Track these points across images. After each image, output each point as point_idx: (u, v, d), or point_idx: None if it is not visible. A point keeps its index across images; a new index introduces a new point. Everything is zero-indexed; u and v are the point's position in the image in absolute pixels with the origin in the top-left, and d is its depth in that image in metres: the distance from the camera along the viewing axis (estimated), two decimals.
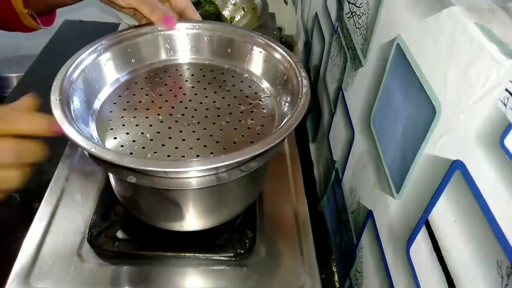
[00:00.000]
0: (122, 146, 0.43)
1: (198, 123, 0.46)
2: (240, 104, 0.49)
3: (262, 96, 0.51)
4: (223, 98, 0.50)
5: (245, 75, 0.54)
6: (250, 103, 0.49)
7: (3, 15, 0.51)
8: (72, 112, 0.42)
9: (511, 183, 0.24)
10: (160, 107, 0.48)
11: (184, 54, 0.56)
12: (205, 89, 0.51)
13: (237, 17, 0.89)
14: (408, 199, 0.38)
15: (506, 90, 0.25)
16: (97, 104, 0.48)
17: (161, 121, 0.46)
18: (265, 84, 0.52)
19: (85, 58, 0.48)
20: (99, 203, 0.54)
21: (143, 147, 0.43)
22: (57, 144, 0.65)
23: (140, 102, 0.49)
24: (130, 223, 0.52)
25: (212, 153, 0.43)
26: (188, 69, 0.55)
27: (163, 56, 0.55)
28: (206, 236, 0.50)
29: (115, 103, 0.49)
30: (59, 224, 0.52)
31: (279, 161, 0.63)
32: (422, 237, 0.35)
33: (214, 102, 0.49)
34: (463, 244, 0.29)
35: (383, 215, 0.43)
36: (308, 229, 0.54)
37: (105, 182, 0.56)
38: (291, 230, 0.54)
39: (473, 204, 0.28)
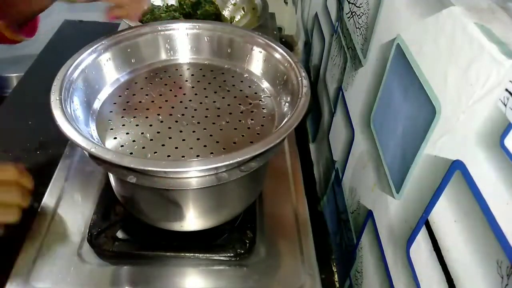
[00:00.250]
0: (122, 146, 0.43)
1: (198, 123, 0.46)
2: (240, 104, 0.49)
3: (262, 96, 0.51)
4: (223, 98, 0.50)
5: (245, 75, 0.54)
6: (250, 103, 0.49)
7: None
8: (72, 112, 0.42)
9: (511, 183, 0.24)
10: (160, 107, 0.48)
11: (184, 54, 0.56)
12: (205, 89, 0.51)
13: (237, 17, 0.89)
14: (408, 199, 0.38)
15: (506, 90, 0.25)
16: (97, 104, 0.48)
17: (161, 121, 0.46)
18: (265, 84, 0.52)
19: (85, 58, 0.48)
20: (99, 203, 0.54)
21: (143, 147, 0.43)
22: (57, 144, 0.65)
23: (140, 102, 0.49)
24: (130, 223, 0.52)
25: (212, 153, 0.43)
26: (188, 69, 0.55)
27: (163, 56, 0.55)
28: (206, 236, 0.50)
29: (115, 103, 0.49)
30: (59, 224, 0.52)
31: (279, 161, 0.63)
32: (422, 237, 0.35)
33: (214, 102, 0.49)
34: (463, 244, 0.29)
35: (383, 215, 0.43)
36: (308, 229, 0.54)
37: (105, 182, 0.56)
38: (291, 230, 0.54)
39: (473, 204, 0.28)
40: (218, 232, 0.51)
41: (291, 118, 0.41)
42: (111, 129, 0.45)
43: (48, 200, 0.55)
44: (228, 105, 0.49)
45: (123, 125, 0.46)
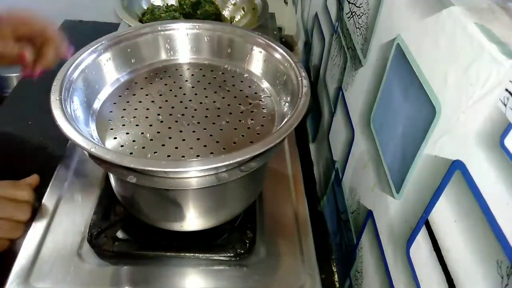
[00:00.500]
0: (122, 146, 0.43)
1: (198, 123, 0.46)
2: (240, 104, 0.49)
3: (262, 96, 0.51)
4: (223, 98, 0.50)
5: (245, 75, 0.54)
6: (250, 103, 0.49)
7: None
8: (72, 112, 0.42)
9: (511, 183, 0.24)
10: (160, 107, 0.48)
11: (184, 54, 0.56)
12: (205, 89, 0.51)
13: (237, 17, 0.89)
14: (408, 199, 0.38)
15: (506, 90, 0.25)
16: (97, 104, 0.48)
17: (161, 121, 0.46)
18: (265, 84, 0.52)
19: (85, 58, 0.48)
20: (99, 203, 0.54)
21: (143, 147, 0.43)
22: (57, 144, 0.65)
23: (140, 102, 0.49)
24: (130, 223, 0.52)
25: (212, 153, 0.43)
26: (188, 69, 0.55)
27: (163, 56, 0.55)
28: (206, 236, 0.50)
29: (115, 103, 0.49)
30: (59, 224, 0.52)
31: (279, 161, 0.63)
32: (422, 237, 0.35)
33: (214, 102, 0.49)
34: (463, 244, 0.29)
35: (383, 215, 0.43)
36: (308, 229, 0.54)
37: (105, 182, 0.56)
38: (291, 230, 0.54)
39: (473, 204, 0.28)
40: (218, 232, 0.51)
41: (291, 118, 0.41)
42: (111, 129, 0.45)
43: (48, 200, 0.55)
44: (228, 105, 0.49)
45: (123, 125, 0.46)
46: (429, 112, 0.33)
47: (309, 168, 0.77)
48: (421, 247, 0.35)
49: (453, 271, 0.30)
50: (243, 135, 0.45)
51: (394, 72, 0.42)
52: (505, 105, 0.25)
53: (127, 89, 0.51)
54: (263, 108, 0.49)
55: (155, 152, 0.42)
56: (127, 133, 0.45)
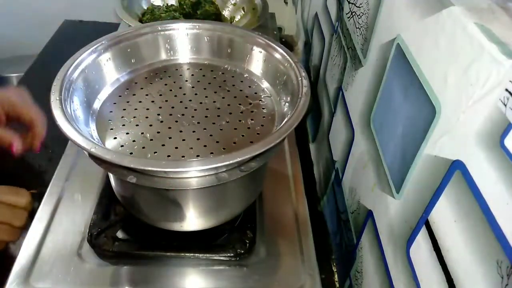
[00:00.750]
0: (122, 146, 0.43)
1: (198, 123, 0.46)
2: (240, 104, 0.49)
3: (262, 96, 0.51)
4: (223, 98, 0.50)
5: (245, 75, 0.54)
6: (250, 103, 0.49)
7: None
8: (72, 112, 0.42)
9: (511, 183, 0.24)
10: (160, 107, 0.48)
11: (184, 54, 0.56)
12: (205, 89, 0.51)
13: (237, 17, 0.89)
14: (408, 199, 0.38)
15: (506, 90, 0.25)
16: (97, 104, 0.48)
17: (161, 121, 0.46)
18: (265, 84, 0.52)
19: (85, 58, 0.48)
20: (99, 203, 0.54)
21: (143, 147, 0.43)
22: (57, 144, 0.65)
23: (140, 102, 0.49)
24: (130, 223, 0.52)
25: (212, 153, 0.43)
26: (188, 69, 0.55)
27: (163, 56, 0.55)
28: (206, 236, 0.50)
29: (115, 103, 0.49)
30: (59, 224, 0.52)
31: (279, 161, 0.63)
32: (422, 237, 0.35)
33: (214, 102, 0.49)
34: (463, 244, 0.29)
35: (383, 215, 0.43)
36: (308, 229, 0.54)
37: (105, 182, 0.56)
38: (291, 230, 0.54)
39: (473, 204, 0.28)
40: (218, 232, 0.51)
41: (291, 118, 0.41)
42: (111, 129, 0.45)
43: (48, 200, 0.55)
44: (228, 105, 0.49)
45: (123, 125, 0.46)
46: (429, 112, 0.33)
47: (309, 168, 0.77)
48: (421, 247, 0.35)
49: (453, 271, 0.30)
50: (243, 135, 0.45)
51: (394, 72, 0.42)
52: (505, 105, 0.25)
53: (127, 89, 0.51)
54: (263, 108, 0.49)
55: (155, 152, 0.42)
56: (127, 133, 0.45)
